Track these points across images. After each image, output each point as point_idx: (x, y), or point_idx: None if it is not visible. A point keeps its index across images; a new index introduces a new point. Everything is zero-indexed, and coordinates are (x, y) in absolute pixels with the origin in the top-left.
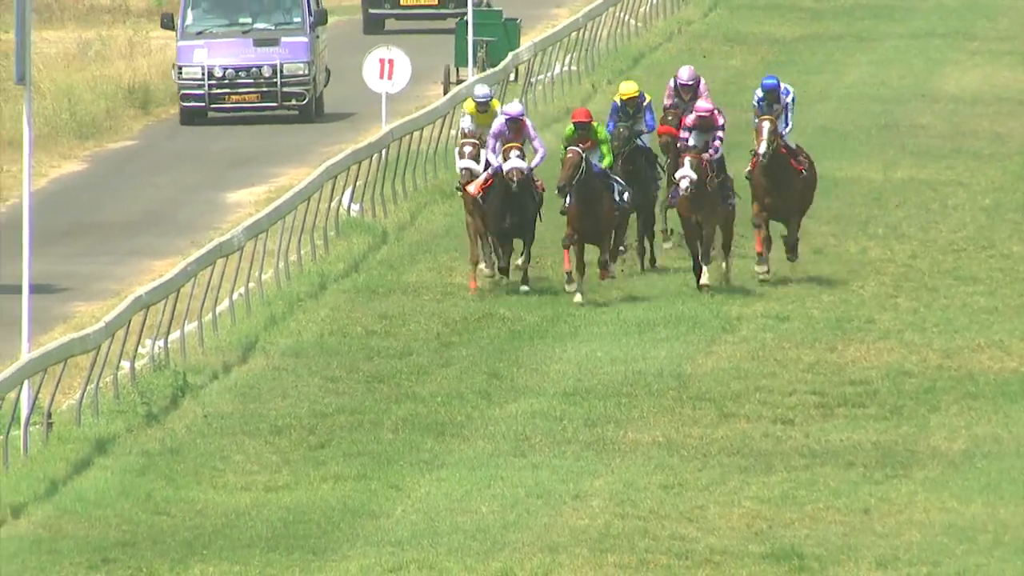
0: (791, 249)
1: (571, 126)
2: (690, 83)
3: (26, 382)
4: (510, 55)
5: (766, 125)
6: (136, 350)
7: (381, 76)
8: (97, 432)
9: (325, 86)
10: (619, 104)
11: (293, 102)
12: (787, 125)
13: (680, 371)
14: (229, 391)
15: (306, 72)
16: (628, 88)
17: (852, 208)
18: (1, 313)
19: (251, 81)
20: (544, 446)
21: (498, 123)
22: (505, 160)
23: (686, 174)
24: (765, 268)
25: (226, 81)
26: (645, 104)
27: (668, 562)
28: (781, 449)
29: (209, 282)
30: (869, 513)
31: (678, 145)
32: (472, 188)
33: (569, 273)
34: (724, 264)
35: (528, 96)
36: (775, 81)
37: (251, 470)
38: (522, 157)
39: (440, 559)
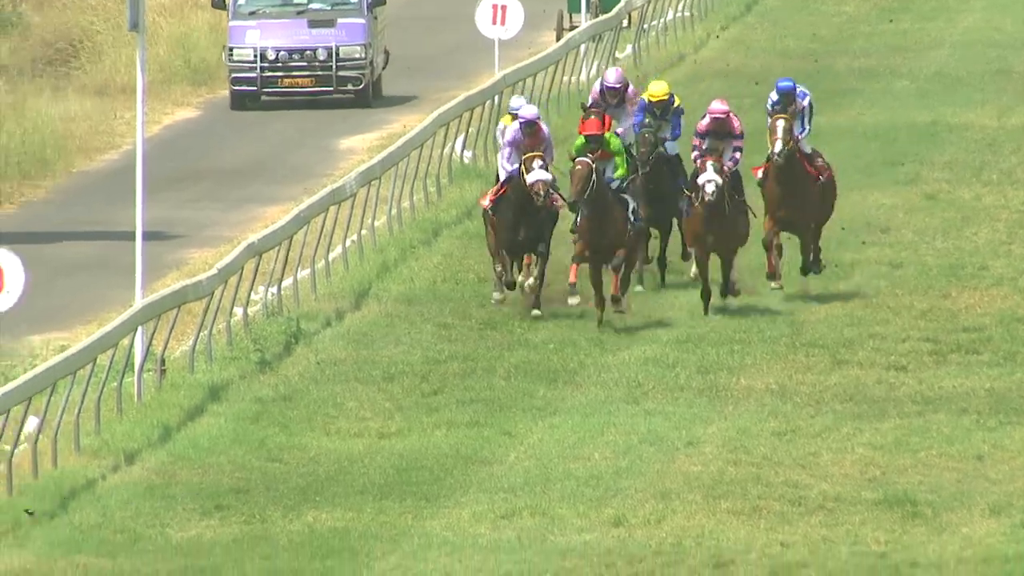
0: (812, 264)
1: (581, 137)
2: (617, 86)
3: (140, 329)
4: (623, 1)
5: (780, 123)
6: (249, 297)
7: (494, 22)
8: (210, 379)
9: (384, 68)
10: (647, 104)
11: (349, 87)
12: (803, 129)
13: (793, 318)
14: (342, 338)
15: (363, 55)
16: (658, 89)
17: (966, 154)
18: (115, 260)
19: (305, 64)
20: (657, 393)
21: (513, 129)
22: (527, 171)
23: (711, 178)
24: (779, 283)
25: (279, 64)
26: (674, 107)
27: (781, 509)
28: (894, 396)
29: (322, 229)
30: (982, 460)
31: (692, 154)
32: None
33: (573, 285)
34: (732, 283)
35: (640, 43)
36: (791, 83)
37: (364, 417)
38: (546, 168)
39: (553, 506)
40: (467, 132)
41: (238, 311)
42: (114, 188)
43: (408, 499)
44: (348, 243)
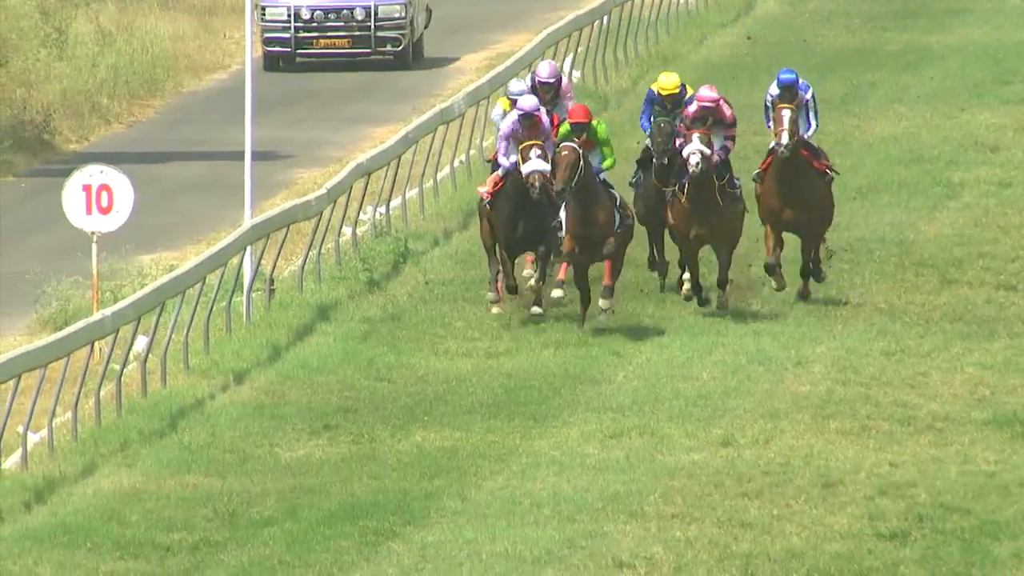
0: (815, 271)
1: (566, 125)
2: (550, 81)
3: (248, 248)
4: None
5: (787, 113)
6: (357, 217)
7: None
8: (319, 298)
9: (426, 27)
10: (657, 96)
11: (388, 47)
12: (809, 126)
13: (902, 237)
14: (450, 258)
15: (402, 15)
16: (669, 81)
17: None
18: (224, 179)
19: (342, 24)
20: (765, 313)
21: (510, 120)
22: (524, 161)
23: (696, 148)
24: (782, 283)
25: (314, 24)
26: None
27: (890, 428)
28: (1004, 315)
29: (430, 149)
30: None
31: (677, 143)
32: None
33: (561, 282)
34: (722, 294)
35: None
36: (793, 75)
37: (472, 336)
38: (544, 158)
39: (661, 425)
40: (576, 52)
41: (347, 231)
42: (223, 108)
43: (516, 419)
44: (456, 163)
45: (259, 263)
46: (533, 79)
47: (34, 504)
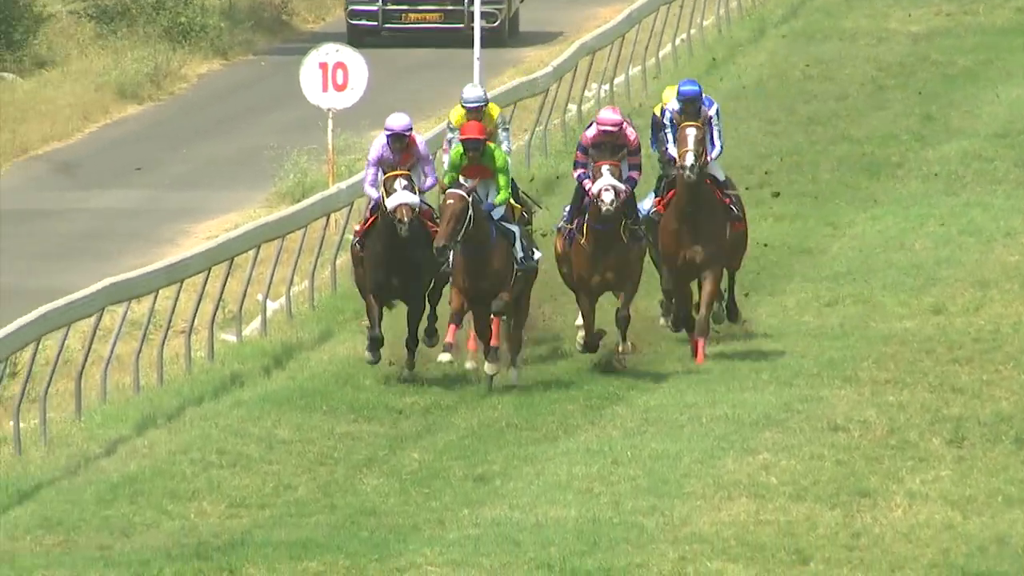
0: (729, 311)
1: (458, 146)
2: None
3: None
4: None
5: (692, 132)
6: (582, 94)
7: None
8: (545, 172)
9: (522, 1)
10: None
11: (482, 23)
12: (714, 147)
13: None
14: None
15: None
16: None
17: None
18: (453, 60)
19: None
20: (976, 185)
21: (379, 145)
22: (388, 194)
23: (609, 184)
24: (679, 328)
25: None
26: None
27: None
28: None
29: (652, 28)
30: None
31: (576, 172)
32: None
33: (449, 345)
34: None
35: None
36: (696, 87)
37: None
38: (412, 189)
39: (874, 293)
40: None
41: (572, 108)
42: None
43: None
44: (677, 41)
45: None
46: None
47: (273, 369)
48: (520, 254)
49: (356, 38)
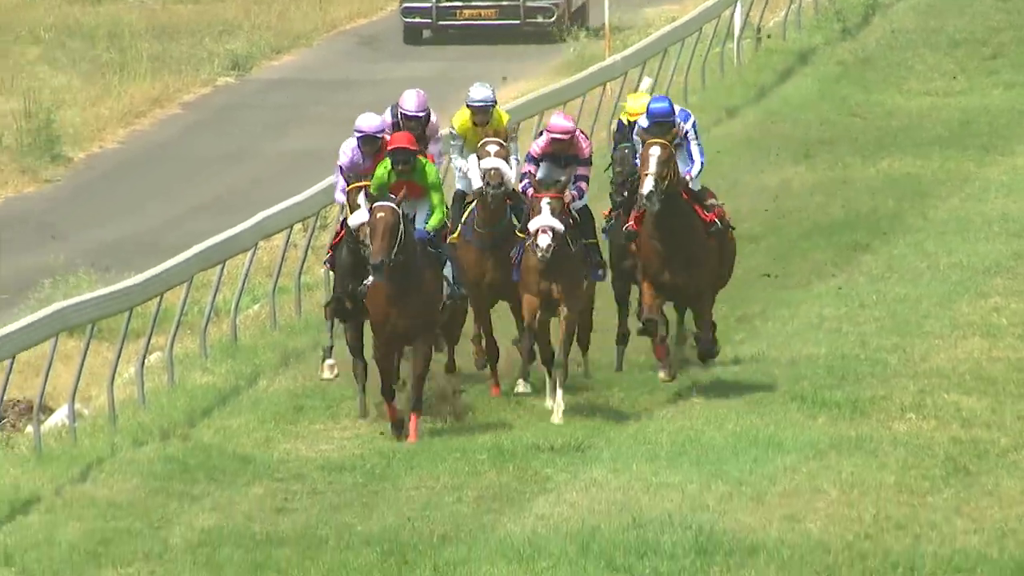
0: (705, 345)
1: (386, 159)
2: (419, 115)
3: (738, 1)
4: None
5: (655, 151)
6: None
7: None
8: (800, 45)
9: None
10: (625, 125)
11: (539, 19)
12: (692, 162)
13: None
14: (913, 9)
15: None
16: (638, 106)
17: None
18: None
19: None
20: None
21: (349, 148)
22: (352, 208)
23: (547, 224)
24: (670, 374)
25: None
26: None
27: None
28: None
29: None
30: None
31: (523, 182)
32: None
33: (395, 424)
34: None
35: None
36: (666, 105)
37: (931, 78)
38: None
39: None
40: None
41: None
42: None
43: (970, 149)
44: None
45: (747, 14)
46: (399, 113)
47: None
48: (450, 281)
49: (410, 37)
